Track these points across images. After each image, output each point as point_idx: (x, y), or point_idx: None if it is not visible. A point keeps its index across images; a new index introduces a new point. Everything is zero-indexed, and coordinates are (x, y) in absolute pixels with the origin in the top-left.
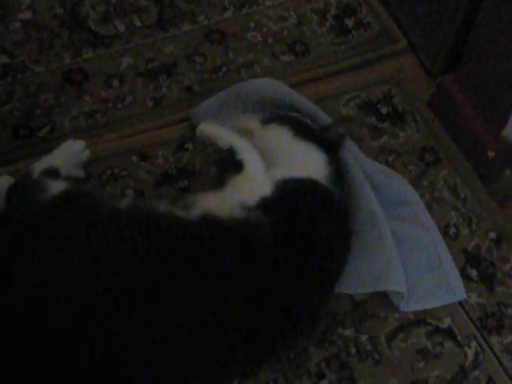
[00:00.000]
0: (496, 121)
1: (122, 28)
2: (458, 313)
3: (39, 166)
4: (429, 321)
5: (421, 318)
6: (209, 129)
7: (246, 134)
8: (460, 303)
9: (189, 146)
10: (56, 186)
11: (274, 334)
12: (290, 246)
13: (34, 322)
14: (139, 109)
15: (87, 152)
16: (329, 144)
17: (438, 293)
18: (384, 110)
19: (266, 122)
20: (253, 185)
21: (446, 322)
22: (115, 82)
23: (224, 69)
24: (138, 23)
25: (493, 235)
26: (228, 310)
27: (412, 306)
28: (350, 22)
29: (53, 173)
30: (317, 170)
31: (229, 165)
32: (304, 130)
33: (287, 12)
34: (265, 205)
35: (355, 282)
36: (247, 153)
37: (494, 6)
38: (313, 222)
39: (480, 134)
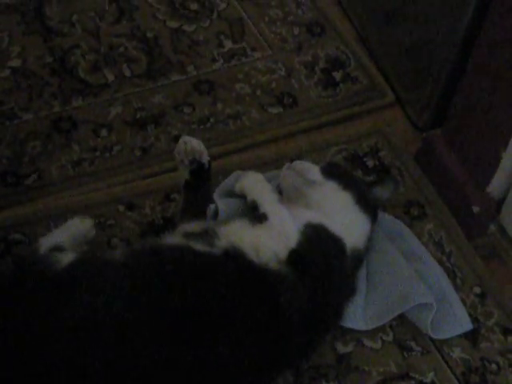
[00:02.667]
0: (481, 176)
1: (111, 77)
2: (442, 367)
3: (46, 242)
4: (412, 375)
5: (404, 373)
6: (244, 182)
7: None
8: (443, 358)
9: (175, 196)
10: (65, 257)
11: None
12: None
13: None
14: (127, 158)
15: (94, 231)
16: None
17: (445, 325)
18: (370, 164)
19: (329, 175)
20: (279, 238)
21: (430, 377)
22: (103, 131)
23: (212, 119)
24: (127, 73)
25: (477, 290)
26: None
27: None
28: (338, 76)
29: (59, 249)
30: (359, 239)
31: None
32: (364, 199)
33: (276, 64)
34: (294, 259)
35: (382, 312)
36: (271, 206)
37: (481, 62)
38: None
39: (465, 189)
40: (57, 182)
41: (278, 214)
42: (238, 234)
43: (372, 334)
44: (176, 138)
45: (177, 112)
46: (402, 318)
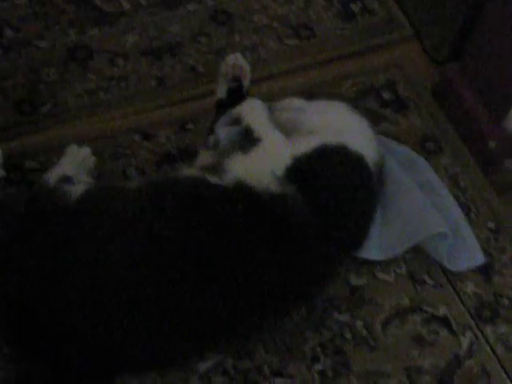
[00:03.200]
0: (498, 111)
1: (127, 5)
2: (454, 302)
3: (52, 176)
4: (424, 308)
5: (416, 306)
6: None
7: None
8: (456, 292)
9: (191, 126)
10: (76, 190)
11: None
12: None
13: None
14: (142, 88)
15: (94, 158)
16: None
17: (458, 257)
18: (386, 96)
19: (310, 99)
20: (272, 155)
21: (442, 311)
22: (119, 60)
23: (228, 50)
24: (143, 1)
25: (491, 225)
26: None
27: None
28: (355, 8)
29: (67, 180)
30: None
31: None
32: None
33: None
34: (291, 175)
35: (397, 241)
36: (263, 128)
37: None
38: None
39: (482, 123)
40: (72, 110)
41: (271, 136)
42: (239, 166)
43: (385, 266)
44: (192, 68)
45: (193, 42)
46: (415, 251)
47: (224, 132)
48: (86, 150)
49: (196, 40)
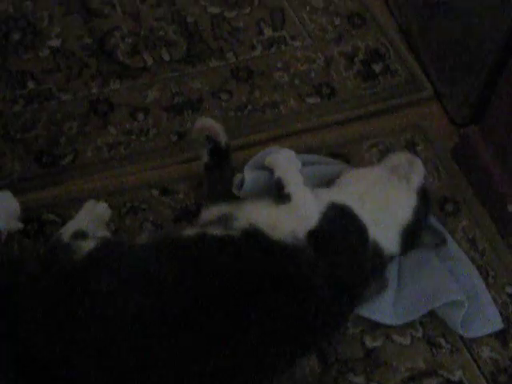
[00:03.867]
0: None
1: (150, 61)
2: (470, 366)
3: (67, 230)
4: (440, 372)
5: (432, 369)
6: (274, 158)
7: None
8: (472, 356)
9: None
10: (87, 245)
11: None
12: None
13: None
14: (163, 143)
15: (110, 212)
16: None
17: (475, 324)
18: None
19: None
20: (300, 219)
21: (458, 375)
22: (140, 115)
23: (249, 107)
24: (166, 57)
25: (509, 289)
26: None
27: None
28: (377, 68)
29: (81, 235)
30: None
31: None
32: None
33: (315, 54)
34: (313, 239)
35: (412, 307)
36: (296, 187)
37: None
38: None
39: (501, 186)
40: (92, 163)
41: (302, 196)
42: (259, 213)
43: (401, 329)
44: None
45: (214, 98)
46: (432, 314)
47: (250, 175)
48: (102, 205)
49: (217, 96)
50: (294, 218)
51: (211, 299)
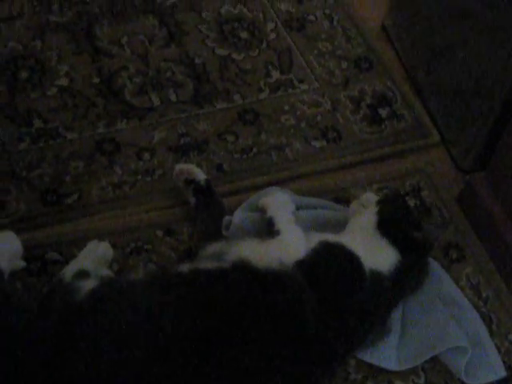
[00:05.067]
0: None
1: (157, 101)
2: None
3: (69, 270)
4: None
5: None
6: (267, 200)
7: None
8: None
9: None
10: (87, 286)
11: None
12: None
13: None
14: (168, 183)
15: (112, 251)
16: (414, 246)
17: (478, 371)
18: (412, 203)
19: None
20: (287, 250)
21: None
22: (146, 155)
23: (255, 149)
24: (173, 98)
25: None
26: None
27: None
28: (383, 112)
29: (83, 275)
30: (380, 262)
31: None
32: (390, 224)
33: (322, 97)
34: (301, 266)
35: (415, 353)
36: (285, 224)
37: None
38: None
39: (506, 234)
40: (96, 203)
41: (291, 232)
42: (248, 247)
43: (404, 375)
44: (218, 166)
45: (220, 140)
46: (434, 361)
47: (239, 216)
48: (105, 245)
49: (223, 138)
50: (282, 249)
51: (207, 332)
